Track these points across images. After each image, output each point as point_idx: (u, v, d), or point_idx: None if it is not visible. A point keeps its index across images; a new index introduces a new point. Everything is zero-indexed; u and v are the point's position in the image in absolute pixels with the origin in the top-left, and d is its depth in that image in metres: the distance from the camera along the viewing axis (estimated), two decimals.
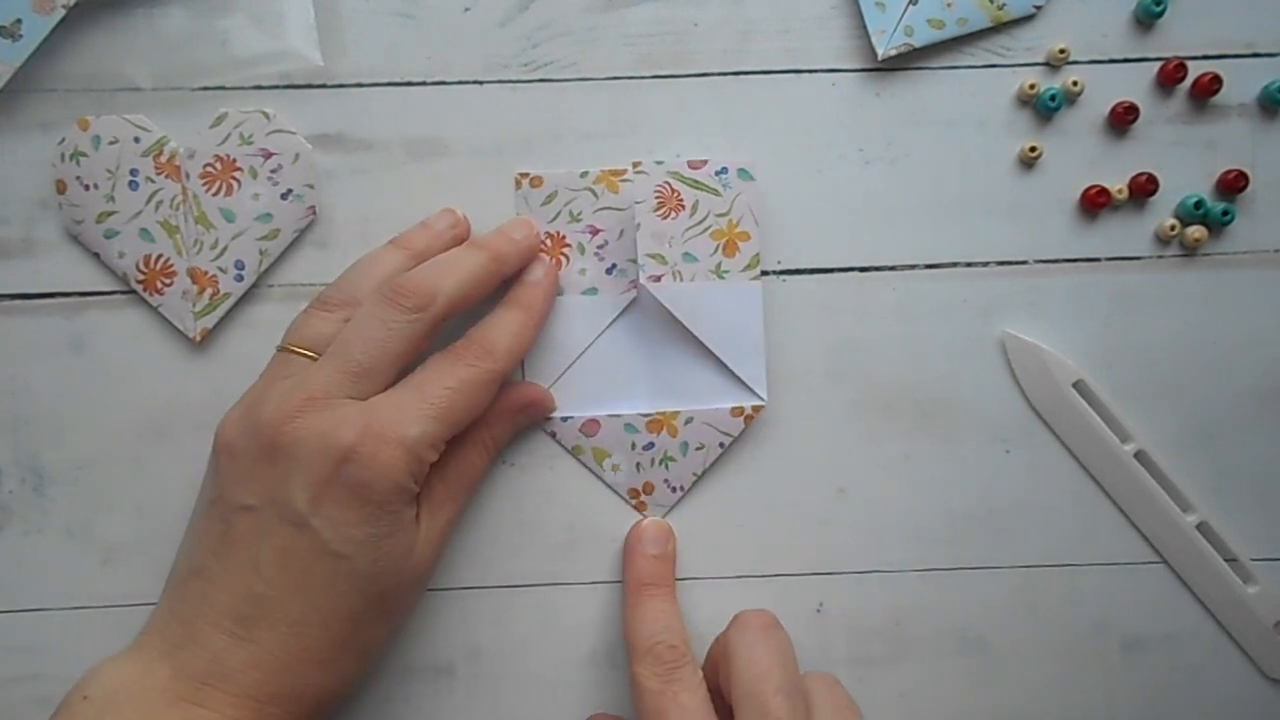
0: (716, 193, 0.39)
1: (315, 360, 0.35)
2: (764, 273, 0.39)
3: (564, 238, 0.39)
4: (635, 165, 0.38)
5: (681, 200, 0.39)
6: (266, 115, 0.38)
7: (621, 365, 0.39)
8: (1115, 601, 0.41)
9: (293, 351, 0.35)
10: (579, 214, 0.39)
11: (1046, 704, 0.41)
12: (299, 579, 0.33)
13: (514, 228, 0.38)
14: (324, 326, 0.35)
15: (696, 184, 0.39)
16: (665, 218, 0.39)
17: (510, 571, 0.40)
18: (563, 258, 0.39)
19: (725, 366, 0.39)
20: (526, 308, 0.38)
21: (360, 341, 0.34)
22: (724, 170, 0.39)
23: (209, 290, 0.38)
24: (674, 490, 0.40)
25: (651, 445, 0.39)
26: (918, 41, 0.38)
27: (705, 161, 0.38)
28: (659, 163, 0.38)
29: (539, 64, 0.39)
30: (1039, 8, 0.39)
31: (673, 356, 0.39)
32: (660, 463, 0.39)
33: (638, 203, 0.38)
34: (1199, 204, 0.39)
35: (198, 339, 0.38)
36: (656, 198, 0.38)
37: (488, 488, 0.40)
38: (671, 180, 0.39)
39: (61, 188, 0.38)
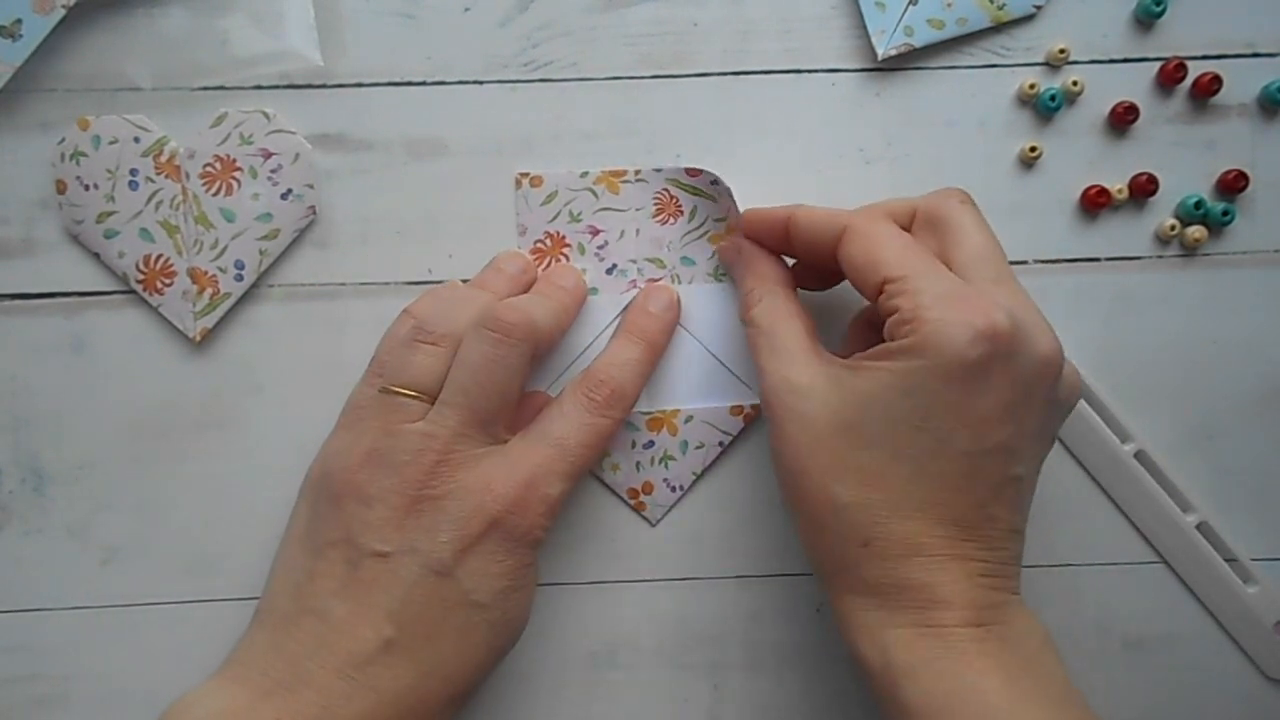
0: (714, 199, 0.39)
1: (425, 401, 0.34)
2: None
3: (564, 238, 0.39)
4: (636, 173, 0.38)
5: (680, 206, 0.39)
6: (266, 115, 0.38)
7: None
8: (1115, 602, 0.41)
9: (400, 394, 0.34)
10: (579, 214, 0.39)
11: None
12: (433, 628, 0.33)
13: (559, 275, 0.39)
14: (430, 363, 0.35)
15: (695, 190, 0.39)
16: (664, 223, 0.39)
17: None
18: (562, 257, 0.39)
19: (725, 366, 0.39)
20: (652, 344, 0.38)
21: (479, 387, 0.34)
22: (718, 181, 0.39)
23: (209, 290, 0.38)
24: (674, 490, 0.40)
25: (651, 444, 0.39)
26: (918, 41, 0.38)
27: (701, 171, 0.39)
28: (658, 170, 0.38)
29: (539, 64, 0.39)
30: (1039, 8, 0.39)
31: (672, 355, 0.39)
32: (660, 462, 0.40)
33: (637, 209, 0.38)
34: (1199, 204, 0.39)
35: (198, 339, 0.39)
36: (655, 204, 0.39)
37: None
38: (670, 187, 0.39)
39: (61, 188, 0.38)
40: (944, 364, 0.30)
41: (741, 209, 0.37)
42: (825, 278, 0.38)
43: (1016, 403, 0.31)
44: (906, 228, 0.34)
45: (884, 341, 0.32)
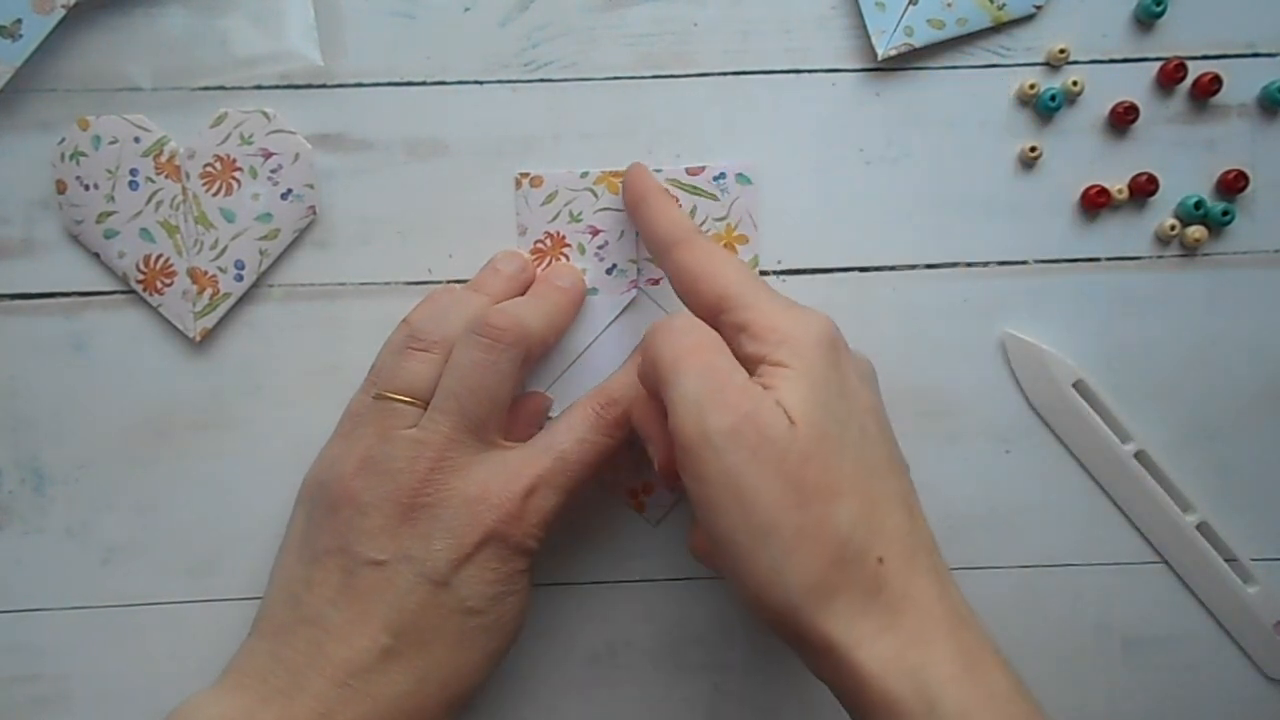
0: (714, 198, 0.39)
1: (419, 407, 0.34)
2: (764, 273, 0.39)
3: (564, 238, 0.39)
4: None
5: (680, 206, 0.39)
6: (266, 115, 0.38)
7: (621, 364, 0.39)
8: (1116, 601, 0.41)
9: (394, 399, 0.35)
10: (579, 214, 0.39)
11: (1047, 704, 0.40)
12: (430, 635, 0.33)
13: (557, 275, 0.38)
14: (422, 369, 0.35)
15: (695, 189, 0.39)
16: None
17: None
18: (562, 257, 0.39)
19: None
20: None
21: (470, 392, 0.34)
22: (722, 175, 0.39)
23: (209, 290, 0.38)
24: (674, 490, 0.40)
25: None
26: (918, 41, 0.38)
27: (704, 168, 0.39)
28: (658, 170, 0.38)
29: (539, 64, 0.39)
30: (1039, 8, 0.39)
31: None
32: None
33: None
34: (1199, 204, 0.39)
35: (198, 339, 0.39)
36: None
37: None
38: (670, 186, 0.39)
39: (61, 188, 0.38)
40: (825, 354, 0.30)
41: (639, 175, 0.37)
42: None
43: (869, 390, 0.32)
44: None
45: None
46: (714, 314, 0.32)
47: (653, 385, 0.32)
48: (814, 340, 0.30)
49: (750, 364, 0.31)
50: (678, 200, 0.38)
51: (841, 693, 0.30)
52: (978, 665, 0.29)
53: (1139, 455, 0.40)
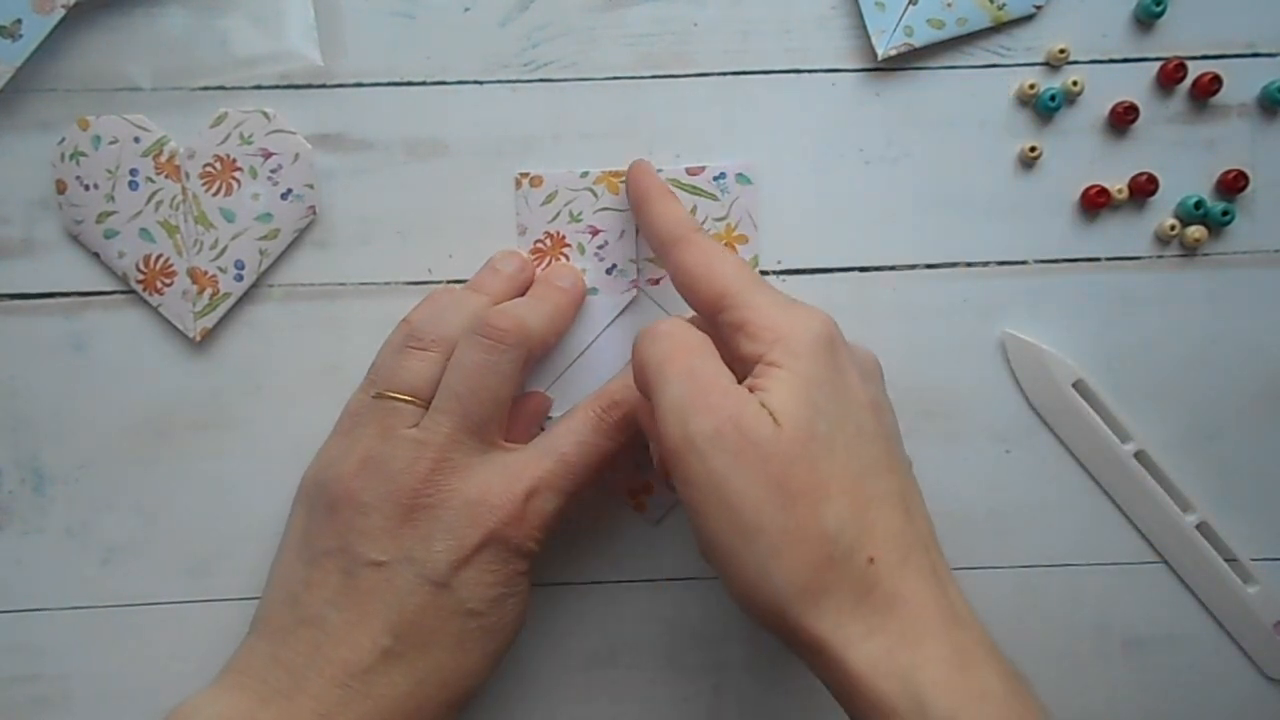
0: (714, 197, 0.39)
1: (419, 407, 0.34)
2: (764, 273, 0.39)
3: (564, 238, 0.39)
4: None
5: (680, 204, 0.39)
6: (266, 115, 0.38)
7: (621, 365, 0.39)
8: (1116, 602, 0.41)
9: (394, 399, 0.35)
10: (579, 214, 0.39)
11: (1047, 704, 0.41)
12: (429, 636, 0.33)
13: (557, 275, 0.38)
14: (422, 368, 0.35)
15: (695, 189, 0.39)
16: None
17: None
18: (562, 257, 0.39)
19: None
20: None
21: (471, 393, 0.34)
22: (722, 175, 0.39)
23: (209, 290, 0.38)
24: (674, 490, 0.40)
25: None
26: (918, 41, 0.38)
27: (704, 168, 0.39)
28: (658, 170, 0.38)
29: (539, 64, 0.39)
30: (1039, 8, 0.39)
31: None
32: None
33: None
34: (1199, 204, 0.39)
35: (198, 339, 0.39)
36: None
37: None
38: (670, 186, 0.39)
39: (61, 188, 0.38)
40: (821, 352, 0.30)
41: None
42: None
43: (870, 387, 0.32)
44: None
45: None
46: (713, 312, 0.32)
47: (643, 389, 0.32)
48: (810, 339, 0.30)
49: (747, 363, 0.31)
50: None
51: (836, 693, 0.29)
52: (971, 665, 0.28)
53: (1139, 455, 0.40)
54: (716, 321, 0.32)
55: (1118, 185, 0.39)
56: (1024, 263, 0.40)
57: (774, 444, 0.28)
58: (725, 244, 0.39)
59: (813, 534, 0.28)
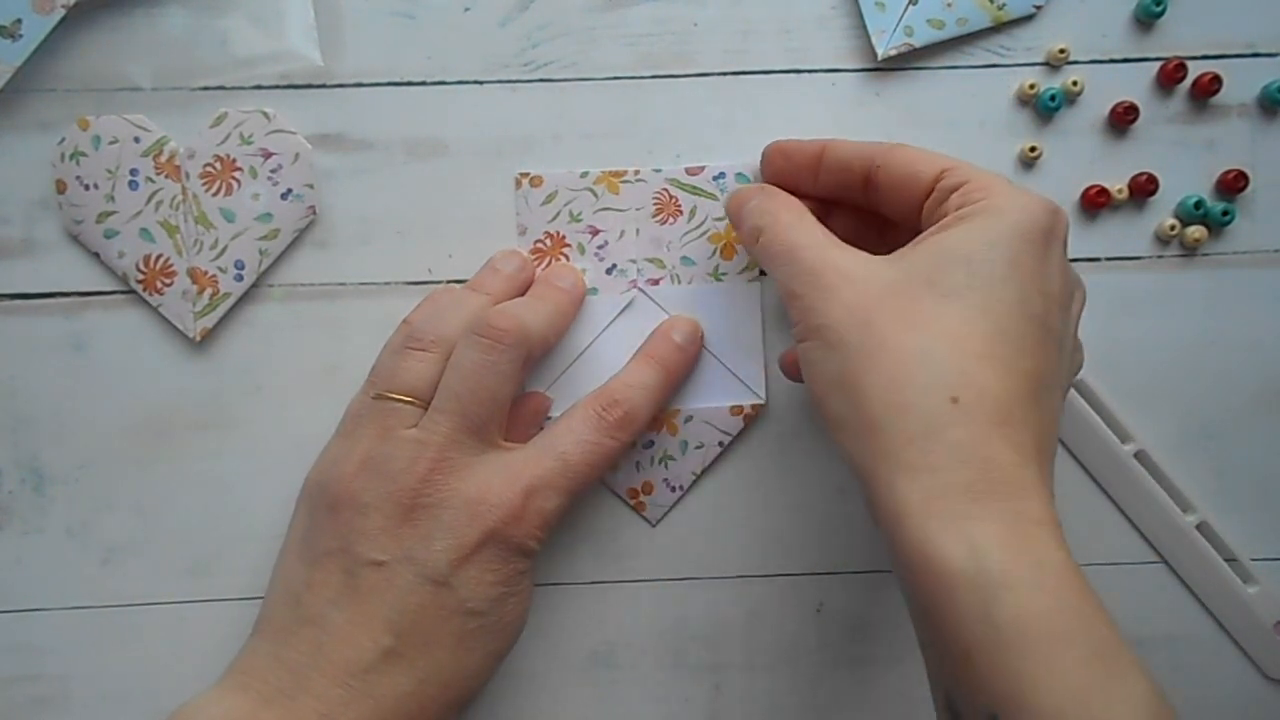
0: (714, 197, 0.39)
1: (419, 407, 0.34)
2: (763, 273, 0.39)
3: (564, 238, 0.39)
4: (636, 173, 0.38)
5: (679, 206, 0.39)
6: (266, 115, 0.38)
7: (621, 365, 0.39)
8: (1115, 601, 0.40)
9: (394, 399, 0.35)
10: (579, 214, 0.39)
11: None
12: (431, 635, 0.33)
13: (557, 275, 0.38)
14: (421, 369, 0.35)
15: (695, 189, 0.39)
16: (664, 223, 0.39)
17: None
18: (562, 257, 0.39)
19: (724, 366, 0.39)
20: (670, 372, 0.38)
21: (470, 393, 0.34)
22: (722, 175, 0.39)
23: (209, 290, 0.38)
24: (673, 490, 0.40)
25: (651, 444, 0.39)
26: (918, 41, 0.38)
27: (704, 167, 0.39)
28: (657, 170, 0.38)
29: (539, 64, 0.39)
30: (1039, 8, 0.39)
31: None
32: (659, 461, 0.39)
33: (637, 209, 0.38)
34: (1199, 204, 0.39)
35: (198, 339, 0.39)
36: (655, 204, 0.39)
37: None
38: (670, 187, 0.39)
39: (61, 188, 0.38)
40: (1026, 224, 0.30)
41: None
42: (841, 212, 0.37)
43: (1067, 292, 0.31)
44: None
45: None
46: (935, 183, 0.32)
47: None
48: (1017, 210, 0.30)
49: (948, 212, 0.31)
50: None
51: (885, 538, 0.29)
52: (1032, 539, 0.27)
53: (1139, 455, 0.40)
54: (934, 189, 0.32)
55: (1118, 185, 0.39)
56: None
57: (872, 282, 0.30)
58: (725, 244, 0.39)
59: (892, 352, 0.29)
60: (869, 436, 0.29)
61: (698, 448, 0.39)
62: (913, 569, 0.27)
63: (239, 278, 0.38)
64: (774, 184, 0.36)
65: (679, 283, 0.39)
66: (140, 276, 0.38)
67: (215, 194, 0.38)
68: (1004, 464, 0.27)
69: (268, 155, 0.38)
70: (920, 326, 0.29)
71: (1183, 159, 0.40)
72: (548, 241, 0.39)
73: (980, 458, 0.27)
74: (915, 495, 0.27)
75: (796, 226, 0.33)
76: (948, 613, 0.27)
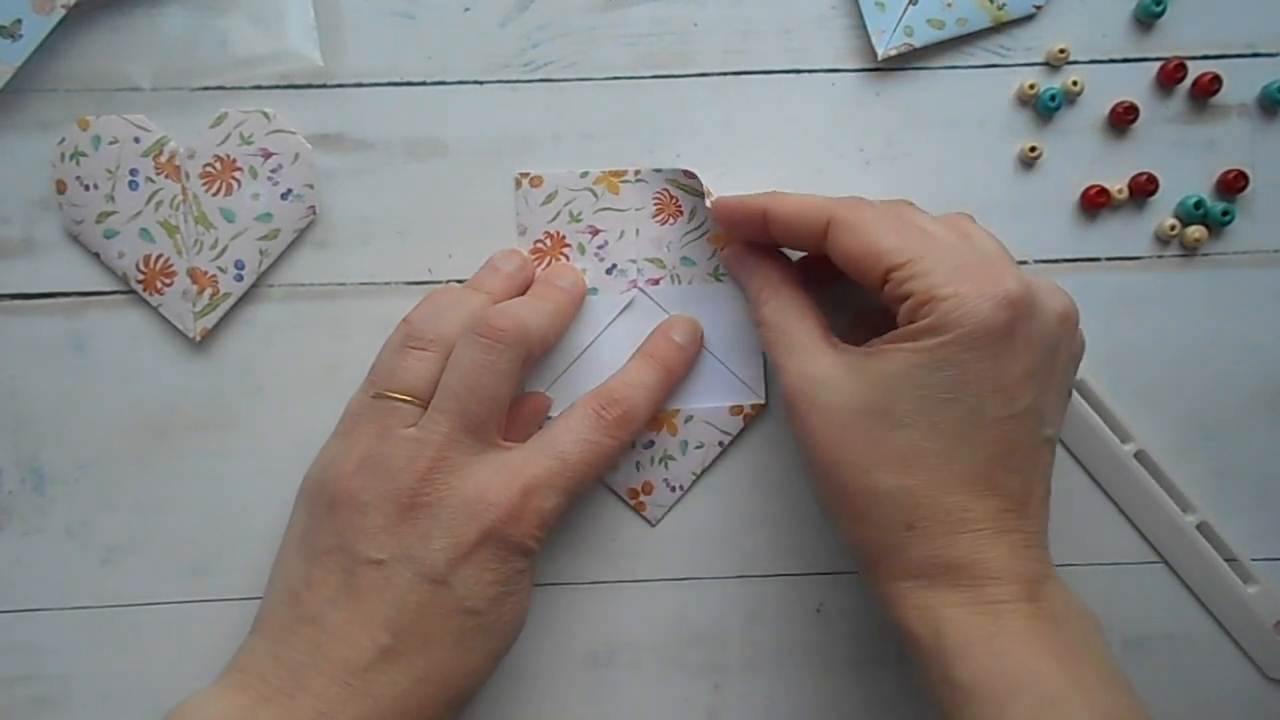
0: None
1: (418, 406, 0.34)
2: None
3: (564, 238, 0.39)
4: (636, 173, 0.38)
5: (680, 206, 0.39)
6: (266, 115, 0.38)
7: (621, 365, 0.39)
8: (1115, 601, 0.41)
9: (393, 398, 0.35)
10: (579, 214, 0.39)
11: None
12: (429, 634, 0.33)
13: (557, 275, 0.38)
14: (420, 368, 0.35)
15: (694, 190, 0.39)
16: (664, 223, 0.39)
17: None
18: (562, 257, 0.39)
19: (724, 365, 0.39)
20: (670, 371, 0.38)
21: (469, 392, 0.34)
22: (694, 176, 0.39)
23: (209, 290, 0.38)
24: (673, 490, 0.40)
25: (651, 444, 0.39)
26: (918, 41, 0.38)
27: (695, 175, 0.39)
28: (657, 170, 0.38)
29: (539, 64, 0.39)
30: (1039, 8, 0.39)
31: None
32: (660, 461, 0.40)
33: (637, 209, 0.38)
34: (1199, 204, 0.39)
35: (198, 339, 0.39)
36: (655, 204, 0.39)
37: None
38: (670, 187, 0.39)
39: (61, 188, 0.38)
40: (970, 335, 0.31)
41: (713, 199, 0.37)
42: (827, 268, 0.38)
43: (1041, 363, 0.32)
44: None
45: (897, 326, 0.32)
46: (887, 288, 0.33)
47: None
48: (969, 313, 0.31)
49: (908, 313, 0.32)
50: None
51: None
52: (999, 614, 0.31)
53: (1139, 455, 0.40)
54: (887, 281, 0.32)
55: (1118, 185, 0.39)
56: (1024, 262, 0.40)
57: (836, 412, 0.33)
58: (724, 245, 0.39)
59: (854, 496, 0.33)
60: (843, 542, 0.34)
61: (698, 448, 0.39)
62: (900, 635, 0.33)
63: (239, 278, 0.38)
64: (734, 232, 0.37)
65: (679, 283, 0.39)
66: (140, 276, 0.38)
67: (215, 194, 0.38)
68: (963, 563, 0.32)
69: (268, 155, 0.38)
70: (877, 464, 0.32)
71: (1183, 159, 0.40)
72: (548, 241, 0.39)
73: (940, 564, 0.32)
74: (889, 592, 0.33)
75: (793, 317, 0.35)
76: (925, 674, 0.32)
